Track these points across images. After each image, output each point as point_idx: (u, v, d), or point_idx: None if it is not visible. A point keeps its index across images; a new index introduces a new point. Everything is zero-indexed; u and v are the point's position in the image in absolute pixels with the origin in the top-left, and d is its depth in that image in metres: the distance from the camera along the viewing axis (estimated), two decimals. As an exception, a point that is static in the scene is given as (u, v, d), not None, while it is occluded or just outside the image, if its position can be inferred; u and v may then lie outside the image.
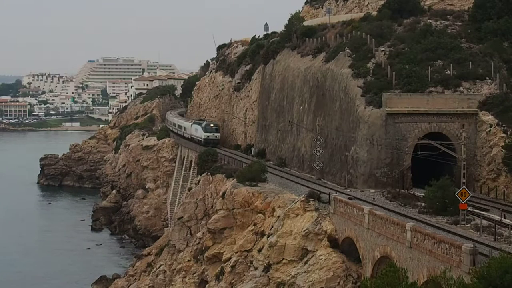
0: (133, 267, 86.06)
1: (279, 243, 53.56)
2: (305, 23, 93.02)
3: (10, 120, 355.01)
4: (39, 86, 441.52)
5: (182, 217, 74.98)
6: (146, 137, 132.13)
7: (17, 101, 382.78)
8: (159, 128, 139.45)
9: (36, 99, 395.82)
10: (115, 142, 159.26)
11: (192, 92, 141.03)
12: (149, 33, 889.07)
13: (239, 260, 57.95)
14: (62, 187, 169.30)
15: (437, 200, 49.20)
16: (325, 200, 55.19)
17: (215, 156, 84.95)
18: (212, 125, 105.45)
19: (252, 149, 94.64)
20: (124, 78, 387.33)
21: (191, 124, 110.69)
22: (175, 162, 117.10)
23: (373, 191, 59.30)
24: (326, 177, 69.39)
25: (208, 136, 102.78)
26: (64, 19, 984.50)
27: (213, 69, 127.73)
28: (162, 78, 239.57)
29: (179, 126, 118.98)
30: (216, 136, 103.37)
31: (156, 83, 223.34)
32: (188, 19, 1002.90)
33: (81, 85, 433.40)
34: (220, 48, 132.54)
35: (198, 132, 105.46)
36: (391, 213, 48.29)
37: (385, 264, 40.86)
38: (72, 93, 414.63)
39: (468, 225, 45.03)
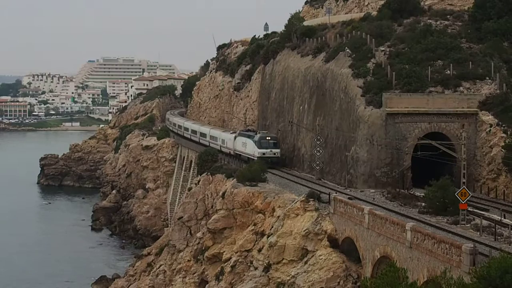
0: (133, 267, 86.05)
1: (279, 243, 53.55)
2: (305, 23, 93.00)
3: (10, 120, 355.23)
4: (39, 86, 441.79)
5: (182, 217, 74.97)
6: (146, 137, 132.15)
7: (17, 101, 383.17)
8: (159, 128, 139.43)
9: (36, 99, 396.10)
10: (115, 142, 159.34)
11: (192, 92, 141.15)
12: (149, 33, 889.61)
13: (239, 260, 57.96)
14: (62, 187, 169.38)
15: (437, 200, 49.18)
16: (325, 200, 55.18)
17: (215, 156, 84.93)
18: (269, 138, 79.57)
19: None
20: (124, 78, 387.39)
21: (235, 136, 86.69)
22: (175, 162, 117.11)
23: (373, 191, 59.27)
24: (326, 177, 69.36)
25: (263, 154, 77.75)
26: (64, 19, 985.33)
27: (213, 69, 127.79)
28: (162, 78, 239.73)
29: (214, 138, 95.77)
30: (275, 153, 78.52)
31: (156, 83, 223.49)
32: (188, 19, 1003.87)
33: (81, 85, 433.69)
34: (220, 48, 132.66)
35: (248, 147, 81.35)
36: (391, 213, 48.28)
37: (385, 264, 40.89)
38: (72, 93, 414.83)
39: (468, 225, 45.03)
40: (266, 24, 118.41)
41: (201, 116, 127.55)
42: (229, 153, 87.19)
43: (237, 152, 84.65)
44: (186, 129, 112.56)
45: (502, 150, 55.90)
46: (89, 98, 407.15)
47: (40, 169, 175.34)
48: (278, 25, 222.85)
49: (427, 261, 38.65)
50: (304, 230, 52.74)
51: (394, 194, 56.61)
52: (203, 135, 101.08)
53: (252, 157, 78.76)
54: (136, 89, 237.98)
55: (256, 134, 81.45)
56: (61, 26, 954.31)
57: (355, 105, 64.36)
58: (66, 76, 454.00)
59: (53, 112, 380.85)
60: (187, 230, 74.05)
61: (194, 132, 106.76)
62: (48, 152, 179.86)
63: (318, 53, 78.93)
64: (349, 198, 53.14)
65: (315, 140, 70.80)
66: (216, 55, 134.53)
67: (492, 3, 71.99)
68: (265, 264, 54.20)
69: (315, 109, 75.34)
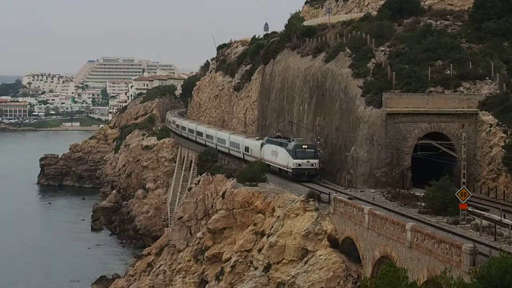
0: (133, 267, 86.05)
1: (279, 243, 53.54)
2: (305, 23, 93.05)
3: (10, 120, 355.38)
4: (39, 86, 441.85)
5: (182, 217, 74.94)
6: (146, 137, 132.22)
7: (17, 101, 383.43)
8: (159, 128, 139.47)
9: (36, 99, 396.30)
10: (115, 142, 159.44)
11: (192, 92, 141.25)
12: (149, 33, 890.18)
13: (239, 260, 57.94)
14: (62, 187, 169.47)
15: (437, 200, 49.18)
16: (325, 200, 55.18)
17: (215, 156, 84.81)
18: (306, 146, 68.07)
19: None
20: (124, 78, 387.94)
21: (262, 144, 75.81)
22: (175, 162, 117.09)
23: (373, 191, 59.26)
24: (326, 177, 69.32)
25: (299, 165, 66.75)
26: (64, 19, 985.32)
27: (213, 69, 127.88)
28: (162, 78, 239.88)
29: (235, 144, 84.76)
30: (313, 165, 67.01)
31: (156, 83, 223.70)
32: (188, 19, 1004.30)
33: (81, 85, 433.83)
34: (220, 48, 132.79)
35: (279, 157, 70.32)
36: (391, 213, 48.27)
37: (385, 264, 40.85)
38: (72, 93, 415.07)
39: (468, 225, 45.03)
40: (266, 24, 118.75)
41: (201, 116, 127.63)
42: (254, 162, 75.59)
43: (264, 161, 73.16)
44: (200, 133, 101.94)
45: (502, 150, 55.89)
46: (89, 98, 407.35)
47: (40, 169, 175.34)
48: (278, 25, 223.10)
49: (427, 261, 38.65)
50: (304, 230, 52.73)
51: (394, 194, 56.59)
52: (221, 140, 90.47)
53: (285, 169, 68.48)
54: (136, 89, 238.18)
55: (289, 141, 69.83)
56: (61, 26, 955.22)
57: (355, 105, 64.35)
58: (66, 76, 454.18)
59: (53, 112, 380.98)
60: (187, 230, 74.02)
61: (209, 137, 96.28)
62: (48, 152, 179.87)
63: (318, 53, 78.96)
64: (349, 198, 53.13)
65: (315, 140, 70.77)
66: (216, 55, 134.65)
67: (492, 3, 72.02)
68: (265, 264, 54.19)
69: (315, 109, 75.33)
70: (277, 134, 77.20)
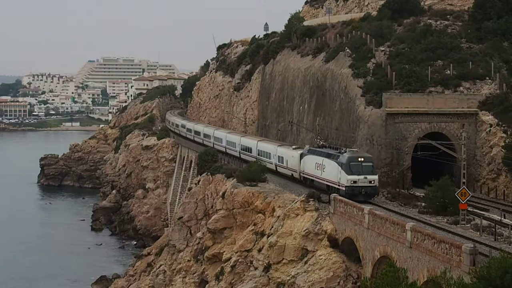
0: (133, 267, 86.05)
1: (279, 243, 53.54)
2: (305, 23, 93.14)
3: (10, 120, 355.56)
4: (39, 86, 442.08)
5: (182, 217, 74.95)
6: (146, 137, 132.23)
7: (17, 101, 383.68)
8: (159, 128, 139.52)
9: (36, 99, 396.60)
10: (115, 142, 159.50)
11: (192, 92, 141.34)
12: (149, 33, 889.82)
13: (239, 260, 57.93)
14: (62, 187, 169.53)
15: (437, 200, 49.22)
16: (325, 200, 55.15)
17: (215, 156, 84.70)
18: (362, 158, 54.96)
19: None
20: (124, 78, 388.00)
21: (302, 154, 63.55)
22: (175, 162, 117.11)
23: (373, 191, 59.10)
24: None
25: (354, 182, 53.83)
26: (64, 19, 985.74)
27: (213, 69, 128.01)
28: (162, 78, 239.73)
29: (264, 153, 73.59)
30: (371, 182, 54.07)
31: (156, 83, 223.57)
32: (188, 19, 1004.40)
33: (81, 85, 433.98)
34: (220, 48, 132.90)
35: (327, 171, 57.58)
36: (391, 213, 48.29)
37: (385, 264, 40.85)
38: (72, 93, 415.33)
39: (468, 225, 45.05)
40: (266, 24, 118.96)
41: (201, 116, 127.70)
42: (291, 175, 66.06)
43: (306, 175, 62.69)
44: (218, 139, 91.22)
45: (502, 150, 55.91)
46: (89, 98, 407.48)
47: (40, 169, 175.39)
48: (278, 25, 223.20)
49: (427, 261, 38.64)
50: (304, 230, 52.71)
51: (394, 194, 56.61)
52: (246, 148, 79.75)
53: (336, 186, 55.64)
54: (136, 89, 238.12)
55: (340, 152, 56.82)
56: (61, 26, 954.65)
57: (355, 105, 64.35)
58: (66, 76, 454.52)
59: (53, 112, 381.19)
60: (187, 230, 74.03)
61: (231, 143, 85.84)
62: (48, 152, 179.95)
63: (318, 53, 79.00)
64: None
65: (315, 140, 70.69)
66: (216, 55, 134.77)
67: (492, 3, 72.06)
68: (265, 264, 54.18)
69: (315, 109, 75.36)
70: (321, 143, 64.09)
